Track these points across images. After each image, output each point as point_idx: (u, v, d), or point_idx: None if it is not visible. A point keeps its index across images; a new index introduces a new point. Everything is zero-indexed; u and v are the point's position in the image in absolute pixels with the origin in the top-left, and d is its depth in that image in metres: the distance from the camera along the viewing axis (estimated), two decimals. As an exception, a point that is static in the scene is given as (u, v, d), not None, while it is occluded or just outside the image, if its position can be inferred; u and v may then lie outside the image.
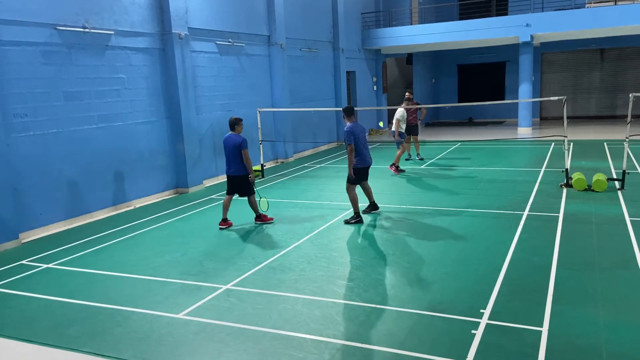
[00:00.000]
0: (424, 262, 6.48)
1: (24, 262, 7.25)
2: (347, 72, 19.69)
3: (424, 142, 17.10)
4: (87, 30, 9.36)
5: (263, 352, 4.49)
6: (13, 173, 8.15)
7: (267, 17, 14.73)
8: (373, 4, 21.79)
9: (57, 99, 8.90)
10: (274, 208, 9.36)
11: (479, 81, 25.70)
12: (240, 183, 8.39)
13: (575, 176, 9.96)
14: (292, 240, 7.59)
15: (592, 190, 9.61)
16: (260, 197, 8.91)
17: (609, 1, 18.72)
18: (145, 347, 4.69)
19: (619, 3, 18.02)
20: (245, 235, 8.06)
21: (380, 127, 8.33)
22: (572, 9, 19.55)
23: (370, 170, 8.71)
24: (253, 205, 8.60)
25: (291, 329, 4.86)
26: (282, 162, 15.42)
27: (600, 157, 13.39)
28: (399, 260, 6.62)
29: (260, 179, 12.58)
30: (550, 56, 23.98)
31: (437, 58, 26.35)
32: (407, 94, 13.92)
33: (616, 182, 9.86)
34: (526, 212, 8.46)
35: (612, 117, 23.04)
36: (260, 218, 8.66)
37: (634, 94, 9.59)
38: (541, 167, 12.28)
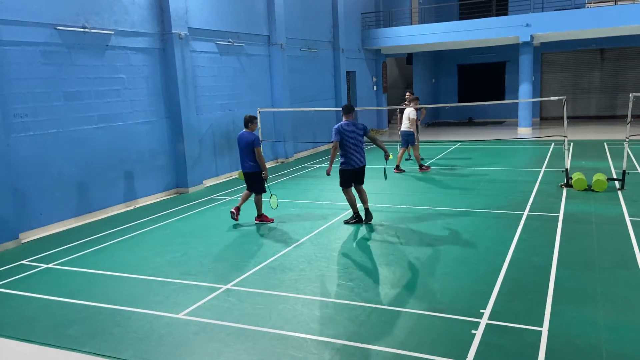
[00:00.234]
0: (424, 262, 6.48)
1: (24, 262, 7.25)
2: (347, 72, 19.68)
3: (424, 142, 17.09)
4: (87, 30, 9.36)
5: (263, 352, 4.49)
6: (13, 173, 8.15)
7: (267, 17, 14.73)
8: (373, 4, 21.79)
9: (57, 99, 8.90)
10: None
11: (479, 81, 25.68)
12: (252, 179, 8.48)
13: (575, 176, 9.96)
14: (292, 240, 7.59)
15: (592, 190, 9.61)
16: (272, 195, 8.93)
17: (609, 1, 18.72)
18: (145, 347, 4.69)
19: (619, 3, 18.02)
20: (246, 235, 8.06)
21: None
22: (572, 9, 19.55)
23: (370, 171, 8.66)
24: (258, 203, 8.66)
25: (291, 329, 4.86)
26: (282, 162, 15.42)
27: (600, 157, 13.39)
28: (399, 260, 6.62)
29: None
30: (550, 56, 23.97)
31: (437, 58, 26.34)
32: (407, 94, 13.89)
33: (616, 182, 9.86)
34: (526, 212, 8.46)
35: (612, 117, 23.03)
36: (261, 218, 8.69)
37: (634, 94, 9.58)
38: (541, 167, 12.28)
